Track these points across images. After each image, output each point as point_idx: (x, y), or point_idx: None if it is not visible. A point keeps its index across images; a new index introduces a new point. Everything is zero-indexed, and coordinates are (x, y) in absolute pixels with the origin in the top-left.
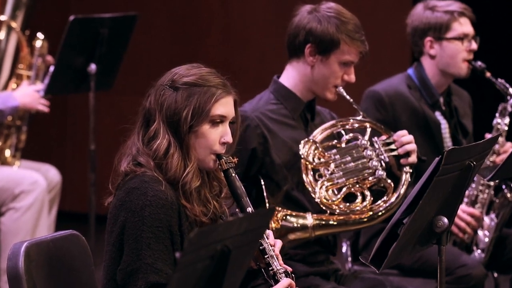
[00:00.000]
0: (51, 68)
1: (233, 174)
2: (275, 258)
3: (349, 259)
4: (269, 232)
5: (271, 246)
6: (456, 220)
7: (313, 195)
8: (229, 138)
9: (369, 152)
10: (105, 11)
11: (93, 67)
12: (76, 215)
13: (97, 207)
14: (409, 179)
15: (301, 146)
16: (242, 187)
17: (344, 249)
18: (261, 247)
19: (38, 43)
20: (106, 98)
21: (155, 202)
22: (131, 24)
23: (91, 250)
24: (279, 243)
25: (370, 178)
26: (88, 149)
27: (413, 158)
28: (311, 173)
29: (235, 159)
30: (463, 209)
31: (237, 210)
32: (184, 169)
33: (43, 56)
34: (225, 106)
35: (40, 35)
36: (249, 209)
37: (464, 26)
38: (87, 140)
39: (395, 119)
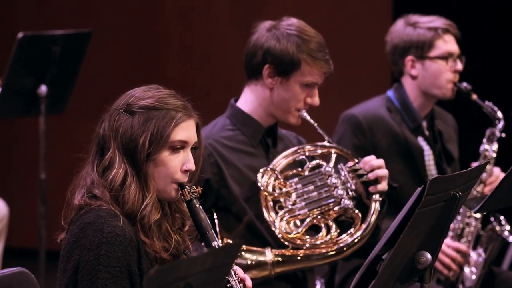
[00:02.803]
0: None
1: (197, 205)
2: None
3: None
4: (236, 268)
5: (239, 282)
6: (441, 255)
7: (273, 229)
8: (191, 166)
9: (334, 180)
10: (55, 28)
11: (43, 88)
12: (24, 251)
13: (48, 242)
14: (379, 209)
15: (259, 175)
16: (207, 219)
17: (318, 287)
18: (228, 285)
19: None
20: (58, 122)
21: (112, 239)
22: (85, 42)
23: None
24: (248, 279)
25: (336, 208)
26: (38, 179)
27: (383, 186)
28: (271, 204)
29: (199, 189)
30: (448, 244)
31: (202, 244)
32: (142, 201)
33: None
34: (186, 131)
35: None
36: (215, 243)
37: (448, 44)
38: (37, 169)
39: (374, 145)
